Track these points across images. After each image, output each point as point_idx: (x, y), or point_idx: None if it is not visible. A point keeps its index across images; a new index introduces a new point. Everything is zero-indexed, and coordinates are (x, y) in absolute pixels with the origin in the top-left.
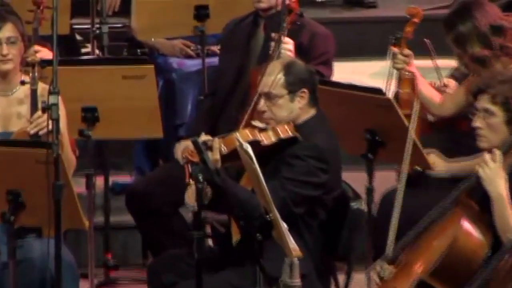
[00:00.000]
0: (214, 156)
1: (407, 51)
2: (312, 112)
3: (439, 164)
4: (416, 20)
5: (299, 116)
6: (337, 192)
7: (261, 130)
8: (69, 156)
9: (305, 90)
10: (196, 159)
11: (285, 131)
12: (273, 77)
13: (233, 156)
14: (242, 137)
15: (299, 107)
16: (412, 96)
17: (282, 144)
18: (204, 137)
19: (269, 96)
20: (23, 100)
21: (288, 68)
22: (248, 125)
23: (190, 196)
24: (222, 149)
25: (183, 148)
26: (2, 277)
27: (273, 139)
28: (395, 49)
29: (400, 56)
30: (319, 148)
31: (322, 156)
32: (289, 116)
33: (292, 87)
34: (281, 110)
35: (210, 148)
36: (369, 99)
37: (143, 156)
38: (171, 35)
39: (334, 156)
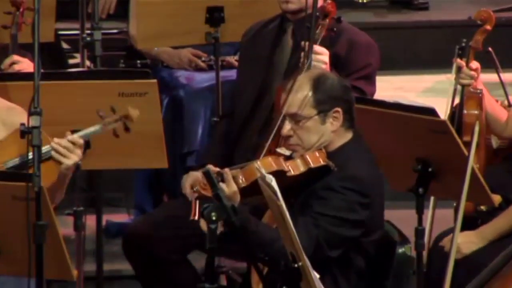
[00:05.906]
0: (230, 189)
1: (475, 64)
2: (348, 136)
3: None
4: (488, 27)
5: (332, 141)
6: (378, 234)
7: (287, 158)
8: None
9: (339, 109)
10: (210, 193)
11: (316, 160)
12: (299, 95)
13: (253, 191)
14: (264, 167)
15: (331, 130)
16: (479, 119)
17: (313, 176)
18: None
19: (295, 118)
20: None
21: (317, 83)
22: (271, 153)
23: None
24: (240, 181)
25: (192, 181)
26: None
27: (302, 169)
28: (461, 62)
29: (466, 71)
30: (358, 179)
31: (362, 188)
32: (320, 142)
33: (323, 106)
34: (310, 134)
35: (223, 180)
36: (421, 122)
37: (144, 191)
38: (178, 43)
39: (376, 190)
